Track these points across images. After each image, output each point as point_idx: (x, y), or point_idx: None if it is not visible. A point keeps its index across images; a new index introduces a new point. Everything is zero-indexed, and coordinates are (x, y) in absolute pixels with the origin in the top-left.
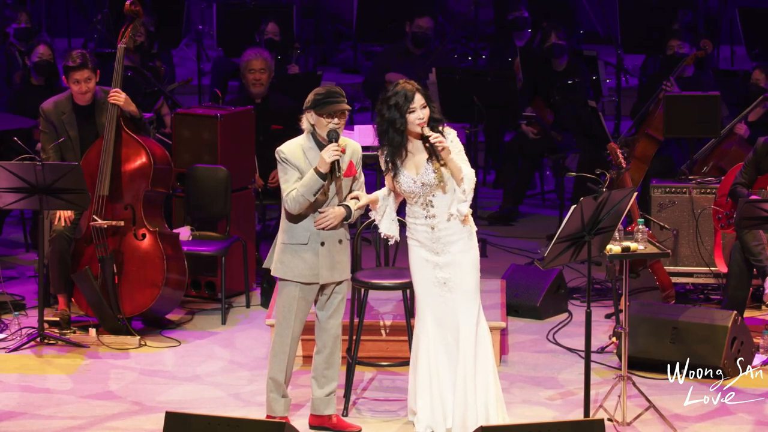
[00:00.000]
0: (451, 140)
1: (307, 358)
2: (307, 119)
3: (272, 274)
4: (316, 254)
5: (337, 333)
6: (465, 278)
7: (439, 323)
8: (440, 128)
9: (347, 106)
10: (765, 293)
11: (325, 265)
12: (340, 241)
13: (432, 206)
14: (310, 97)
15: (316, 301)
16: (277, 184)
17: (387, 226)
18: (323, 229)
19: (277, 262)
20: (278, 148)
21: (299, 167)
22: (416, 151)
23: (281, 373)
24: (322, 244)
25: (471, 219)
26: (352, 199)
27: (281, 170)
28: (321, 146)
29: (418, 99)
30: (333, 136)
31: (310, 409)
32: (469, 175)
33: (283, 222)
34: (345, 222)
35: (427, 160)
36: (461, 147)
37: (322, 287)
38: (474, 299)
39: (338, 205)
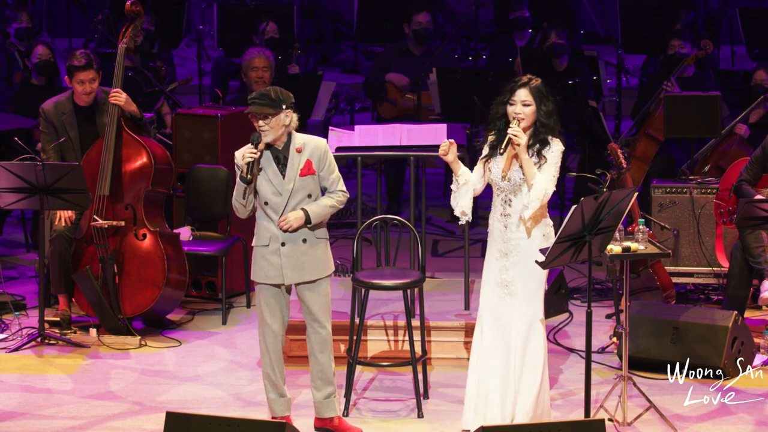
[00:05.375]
0: (551, 150)
1: (292, 359)
2: None
3: (251, 278)
4: (278, 255)
5: (324, 336)
6: (527, 285)
7: (497, 324)
8: (548, 138)
9: (264, 110)
10: (761, 296)
11: (288, 266)
12: (304, 241)
13: (510, 205)
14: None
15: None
16: None
17: (466, 204)
18: (286, 231)
19: (252, 265)
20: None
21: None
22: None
23: (272, 372)
24: (283, 244)
25: (547, 225)
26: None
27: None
28: (268, 147)
29: (522, 94)
30: (253, 139)
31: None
32: (540, 184)
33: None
34: (307, 225)
35: (532, 147)
36: (555, 161)
37: (296, 286)
38: (532, 308)
39: (299, 209)
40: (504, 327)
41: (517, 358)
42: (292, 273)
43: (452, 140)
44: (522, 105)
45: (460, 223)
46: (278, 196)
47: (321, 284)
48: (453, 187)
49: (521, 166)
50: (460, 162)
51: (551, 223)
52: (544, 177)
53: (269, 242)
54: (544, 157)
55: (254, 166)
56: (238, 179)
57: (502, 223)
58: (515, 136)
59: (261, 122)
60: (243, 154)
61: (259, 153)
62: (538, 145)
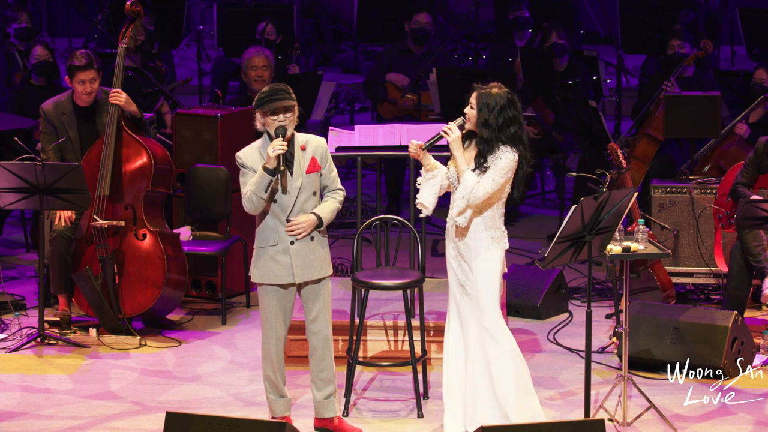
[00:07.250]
0: (499, 157)
1: (292, 359)
2: (258, 119)
3: (251, 280)
4: (287, 254)
5: (326, 336)
6: (477, 285)
7: (460, 323)
8: (492, 147)
9: (289, 102)
10: (763, 294)
11: (298, 264)
12: (312, 238)
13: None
14: (257, 96)
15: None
16: None
17: (425, 197)
18: (296, 237)
19: (253, 267)
20: (237, 153)
21: (256, 169)
22: (472, 147)
23: (274, 374)
24: (292, 243)
25: (497, 228)
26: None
27: (241, 175)
28: None
29: (473, 97)
30: (280, 132)
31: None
32: (466, 182)
33: (257, 227)
34: (318, 229)
35: (476, 158)
36: (501, 167)
37: (300, 286)
38: (482, 308)
39: (311, 213)
40: (465, 327)
41: (477, 358)
42: (302, 271)
43: (418, 147)
44: (470, 107)
45: (420, 215)
46: (286, 194)
47: (323, 284)
48: (419, 180)
49: (455, 164)
50: (431, 159)
51: (503, 229)
52: (479, 178)
53: (277, 242)
54: (485, 167)
55: (284, 159)
56: (260, 172)
57: (453, 222)
58: (444, 132)
59: (282, 115)
60: (273, 147)
61: (286, 145)
62: (481, 157)
